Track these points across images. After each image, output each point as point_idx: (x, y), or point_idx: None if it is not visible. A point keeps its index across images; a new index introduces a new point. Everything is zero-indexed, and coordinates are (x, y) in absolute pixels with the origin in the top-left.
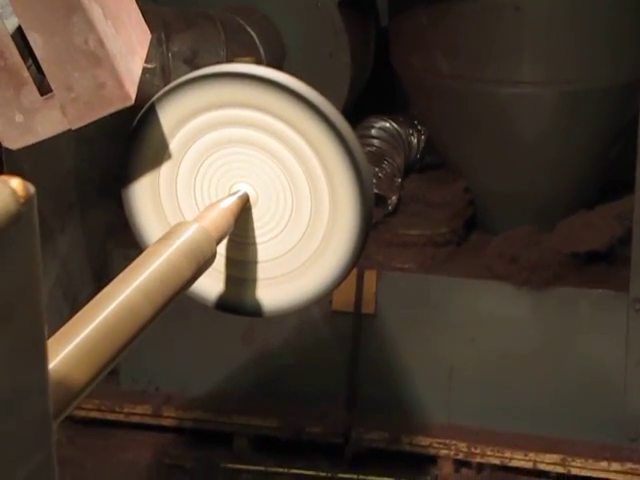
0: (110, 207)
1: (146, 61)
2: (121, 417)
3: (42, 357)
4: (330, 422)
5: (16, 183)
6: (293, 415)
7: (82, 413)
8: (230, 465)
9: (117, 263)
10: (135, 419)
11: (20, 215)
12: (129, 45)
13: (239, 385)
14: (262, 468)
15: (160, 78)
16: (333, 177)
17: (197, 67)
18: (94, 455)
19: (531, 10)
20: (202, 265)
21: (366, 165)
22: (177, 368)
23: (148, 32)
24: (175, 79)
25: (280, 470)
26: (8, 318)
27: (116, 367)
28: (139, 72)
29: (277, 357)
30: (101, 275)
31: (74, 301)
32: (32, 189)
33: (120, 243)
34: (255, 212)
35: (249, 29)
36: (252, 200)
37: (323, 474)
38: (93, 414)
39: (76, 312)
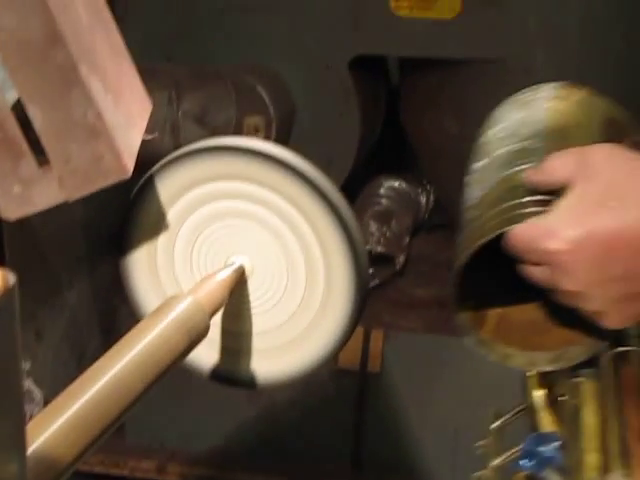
0: (117, 260)
1: (155, 119)
2: (125, 472)
3: (20, 452)
4: None
5: None
6: (298, 474)
7: (86, 467)
8: None
9: (125, 318)
10: (139, 474)
11: None
12: (129, 117)
13: (244, 442)
14: None
15: (170, 136)
16: (328, 252)
17: (207, 125)
18: None
19: (541, 73)
20: (195, 339)
21: (362, 243)
22: (182, 424)
23: (149, 104)
24: (185, 137)
25: None
26: None
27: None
28: (138, 144)
29: (282, 414)
30: (109, 329)
31: (81, 355)
32: (12, 279)
33: (127, 298)
34: (251, 284)
35: (259, 88)
36: (248, 272)
37: None
38: (97, 469)
39: (83, 366)
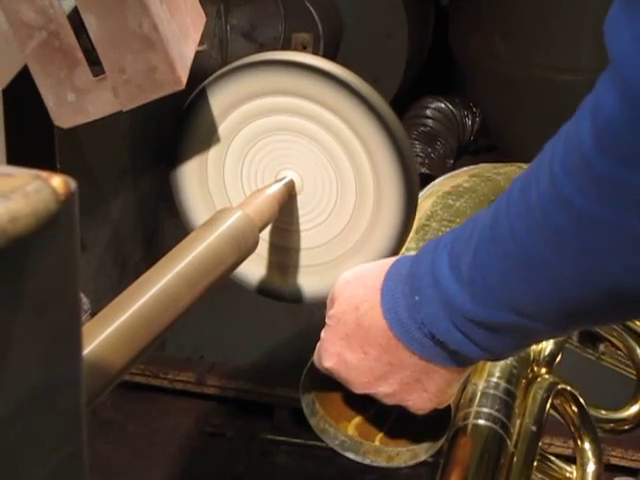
0: (163, 174)
1: (204, 33)
2: (165, 383)
3: (76, 352)
4: None
5: (57, 181)
6: None
7: (127, 377)
8: (270, 436)
9: (168, 231)
10: (179, 386)
11: (59, 214)
12: (183, 29)
13: (283, 357)
14: (301, 440)
15: (218, 51)
16: (378, 168)
17: (255, 41)
18: (137, 419)
19: None
20: (244, 252)
21: (413, 158)
22: (222, 338)
23: (203, 16)
24: (232, 52)
25: (318, 443)
26: (42, 315)
27: None
28: (192, 56)
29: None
30: (151, 242)
31: (124, 266)
32: (73, 185)
33: (171, 211)
34: (300, 199)
35: (308, 5)
36: (298, 187)
37: None
38: (138, 379)
39: (125, 277)
